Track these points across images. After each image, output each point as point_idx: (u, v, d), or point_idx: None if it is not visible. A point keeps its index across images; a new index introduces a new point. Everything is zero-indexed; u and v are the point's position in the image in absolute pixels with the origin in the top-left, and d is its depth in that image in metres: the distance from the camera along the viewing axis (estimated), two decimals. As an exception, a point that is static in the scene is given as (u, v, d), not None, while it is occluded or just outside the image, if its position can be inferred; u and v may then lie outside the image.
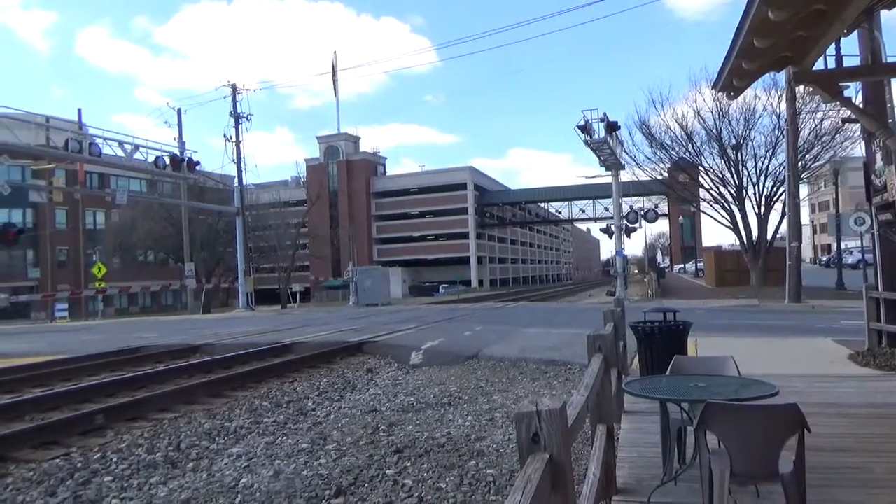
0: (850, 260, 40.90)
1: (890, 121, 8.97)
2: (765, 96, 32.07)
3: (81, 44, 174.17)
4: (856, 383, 7.86)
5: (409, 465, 6.17)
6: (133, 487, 5.87)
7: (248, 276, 35.46)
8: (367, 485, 5.69)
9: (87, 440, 7.54)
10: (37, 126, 29.23)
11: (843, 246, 29.46)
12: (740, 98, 27.83)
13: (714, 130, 34.03)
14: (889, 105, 9.11)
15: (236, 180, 37.03)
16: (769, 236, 34.24)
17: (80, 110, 35.15)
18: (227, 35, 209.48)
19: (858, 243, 23.87)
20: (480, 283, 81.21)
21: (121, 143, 28.80)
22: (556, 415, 2.01)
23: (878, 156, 9.28)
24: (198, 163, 33.00)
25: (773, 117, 32.13)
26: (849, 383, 7.86)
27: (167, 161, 30.45)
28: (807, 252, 65.59)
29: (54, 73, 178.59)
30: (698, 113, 34.10)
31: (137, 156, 29.61)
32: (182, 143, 34.70)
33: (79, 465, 6.55)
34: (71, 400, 9.65)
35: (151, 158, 30.06)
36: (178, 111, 37.25)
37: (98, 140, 27.72)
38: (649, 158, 36.80)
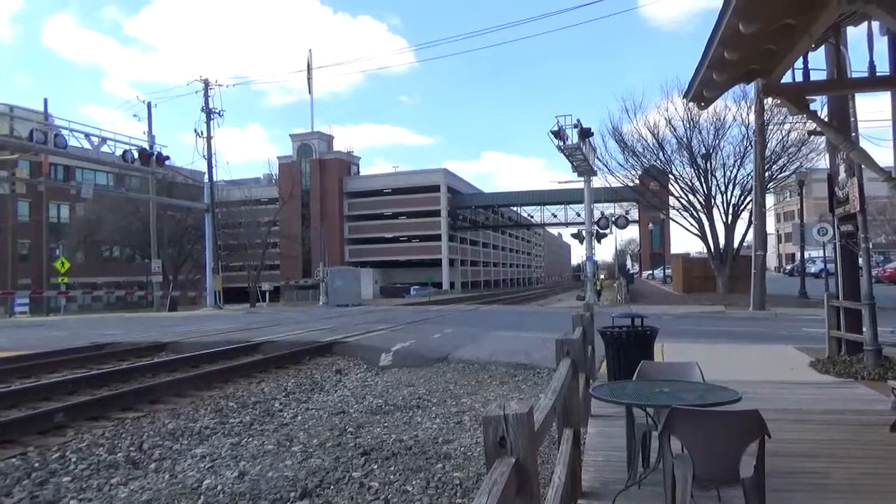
0: (813, 269, 41.82)
1: (853, 134, 9.20)
2: (734, 107, 32.80)
3: (48, 32, 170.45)
4: (816, 390, 8.03)
5: (375, 467, 6.14)
6: (92, 488, 5.74)
7: (216, 274, 34.98)
8: (332, 487, 5.65)
9: (46, 439, 7.36)
10: (0, 115, 28.49)
11: (806, 255, 30.15)
12: (710, 108, 28.54)
13: (685, 139, 34.62)
14: (853, 119, 9.34)
15: (206, 176, 36.50)
16: (736, 244, 34.90)
17: (45, 100, 34.52)
18: (200, 29, 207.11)
19: (821, 253, 24.44)
20: (452, 285, 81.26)
21: (87, 136, 28.28)
22: (523, 419, 2.02)
23: (842, 168, 9.52)
24: (167, 157, 32.56)
25: (742, 128, 32.89)
26: (809, 390, 8.03)
27: (135, 155, 29.94)
28: (772, 261, 66.97)
29: (19, 60, 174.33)
30: (669, 122, 34.69)
31: (105, 149, 29.12)
32: (151, 138, 34.25)
33: (36, 464, 6.39)
34: (29, 397, 9.41)
35: (119, 152, 29.60)
36: (148, 105, 36.57)
37: (64, 131, 27.22)
38: (621, 165, 37.26)
